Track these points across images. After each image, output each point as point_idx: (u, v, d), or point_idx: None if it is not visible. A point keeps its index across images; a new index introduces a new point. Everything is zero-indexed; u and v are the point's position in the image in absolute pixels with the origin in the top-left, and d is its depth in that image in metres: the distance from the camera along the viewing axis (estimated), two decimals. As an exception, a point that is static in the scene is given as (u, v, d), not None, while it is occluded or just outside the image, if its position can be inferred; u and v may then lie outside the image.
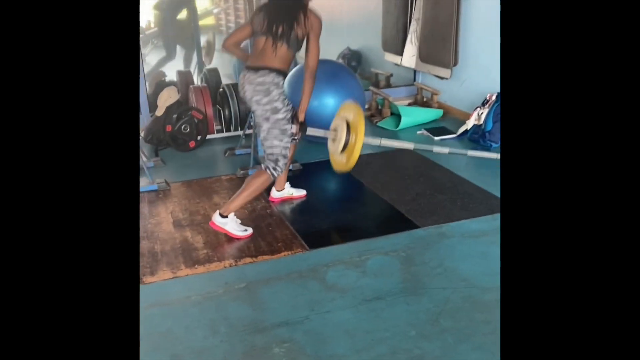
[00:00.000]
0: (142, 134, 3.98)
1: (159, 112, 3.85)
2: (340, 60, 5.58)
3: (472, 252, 2.45)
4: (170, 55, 5.88)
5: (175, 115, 3.80)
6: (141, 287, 2.23)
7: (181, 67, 5.48)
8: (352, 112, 2.54)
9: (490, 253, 2.40)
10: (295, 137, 2.66)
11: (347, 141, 2.50)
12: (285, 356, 1.81)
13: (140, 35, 7.06)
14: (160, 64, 5.79)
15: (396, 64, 5.10)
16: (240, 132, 3.95)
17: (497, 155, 2.81)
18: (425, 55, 4.59)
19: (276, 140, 2.58)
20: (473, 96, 4.22)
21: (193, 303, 2.12)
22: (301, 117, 2.62)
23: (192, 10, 5.71)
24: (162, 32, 6.26)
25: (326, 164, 3.60)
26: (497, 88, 3.85)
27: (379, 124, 4.39)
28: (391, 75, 5.14)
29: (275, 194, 3.05)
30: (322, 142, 3.92)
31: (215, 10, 8.01)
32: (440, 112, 4.48)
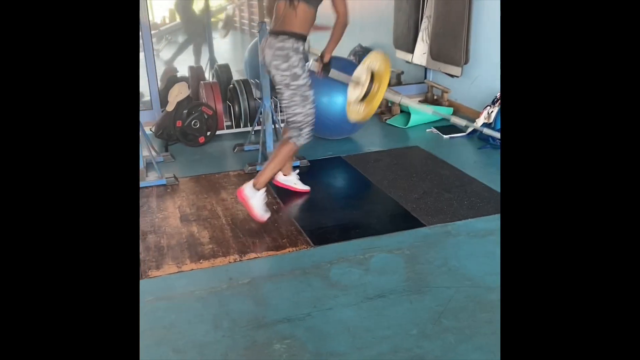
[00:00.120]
0: (153, 129, 4.02)
1: (170, 107, 3.88)
2: (352, 57, 5.56)
3: (477, 251, 2.43)
4: (186, 45, 5.90)
5: (185, 111, 3.82)
6: (146, 281, 2.25)
7: (192, 63, 5.50)
8: (379, 62, 2.52)
9: (496, 253, 2.38)
10: (317, 74, 2.66)
11: (369, 90, 2.48)
12: (286, 352, 1.82)
13: (154, 31, 7.13)
14: (177, 54, 5.81)
15: (407, 62, 5.07)
16: (249, 128, 3.96)
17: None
18: (436, 52, 4.56)
19: (298, 108, 2.61)
20: (483, 95, 4.19)
21: (197, 297, 2.13)
22: (326, 58, 2.63)
23: (206, 6, 5.73)
24: (182, 24, 6.28)
25: (334, 160, 3.62)
26: (508, 86, 3.81)
27: (388, 121, 4.38)
28: (402, 72, 5.11)
29: (280, 177, 3.06)
30: (330, 140, 3.93)
31: (229, 7, 8.04)
32: (450, 110, 4.45)
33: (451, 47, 4.37)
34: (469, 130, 3.97)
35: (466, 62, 4.34)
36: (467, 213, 2.79)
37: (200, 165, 3.59)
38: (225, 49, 6.23)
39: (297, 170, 3.13)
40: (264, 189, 2.72)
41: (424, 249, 2.47)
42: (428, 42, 4.67)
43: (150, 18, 7.33)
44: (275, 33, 2.57)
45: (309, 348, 1.83)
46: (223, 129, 4.09)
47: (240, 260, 2.41)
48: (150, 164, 3.38)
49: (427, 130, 4.14)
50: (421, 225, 2.68)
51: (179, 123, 3.81)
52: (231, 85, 4.19)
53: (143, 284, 2.22)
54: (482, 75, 4.28)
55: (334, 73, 2.72)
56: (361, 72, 2.60)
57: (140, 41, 4.19)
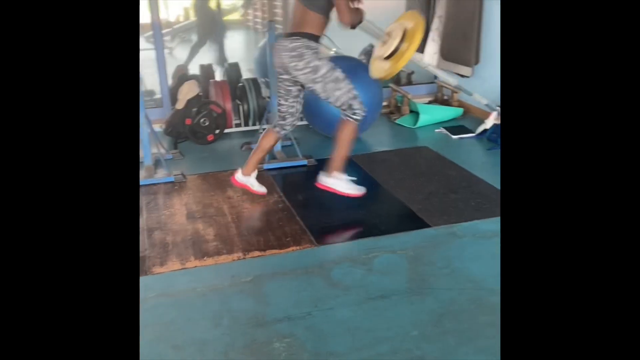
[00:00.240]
0: (162, 126, 4.04)
1: (180, 105, 3.90)
2: (362, 57, 5.55)
3: (482, 253, 2.41)
4: (202, 43, 5.94)
5: (195, 109, 3.84)
6: (150, 277, 2.27)
7: (203, 61, 5.54)
8: (412, 22, 2.49)
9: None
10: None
11: (398, 48, 2.45)
12: (285, 351, 1.82)
13: (168, 30, 7.19)
14: (194, 52, 5.85)
15: (418, 62, 5.04)
16: (257, 127, 3.97)
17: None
18: (447, 53, 4.53)
19: (337, 92, 2.65)
20: (494, 95, 4.15)
21: (198, 295, 2.14)
22: (358, 5, 2.58)
23: (218, 6, 5.77)
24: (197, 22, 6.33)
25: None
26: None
27: (397, 121, 4.36)
28: (412, 72, 5.09)
29: (239, 176, 2.97)
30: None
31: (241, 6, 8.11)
32: (460, 111, 4.42)
33: (462, 47, 4.34)
34: (479, 131, 3.94)
35: (477, 63, 4.30)
36: (474, 214, 2.77)
37: (208, 163, 3.61)
38: (236, 47, 6.26)
39: (256, 173, 3.01)
40: (343, 173, 2.79)
41: (429, 250, 2.45)
42: (439, 42, 4.64)
43: (165, 16, 7.42)
44: (288, 35, 2.64)
45: (308, 347, 1.83)
46: (232, 127, 4.10)
47: (243, 258, 2.41)
48: (159, 161, 3.41)
49: (436, 130, 4.12)
50: (426, 226, 2.66)
51: (188, 121, 3.83)
52: (240, 84, 4.20)
53: (146, 280, 2.24)
54: (492, 76, 4.23)
55: (365, 24, 2.68)
56: (394, 28, 2.57)
57: (152, 39, 4.23)
